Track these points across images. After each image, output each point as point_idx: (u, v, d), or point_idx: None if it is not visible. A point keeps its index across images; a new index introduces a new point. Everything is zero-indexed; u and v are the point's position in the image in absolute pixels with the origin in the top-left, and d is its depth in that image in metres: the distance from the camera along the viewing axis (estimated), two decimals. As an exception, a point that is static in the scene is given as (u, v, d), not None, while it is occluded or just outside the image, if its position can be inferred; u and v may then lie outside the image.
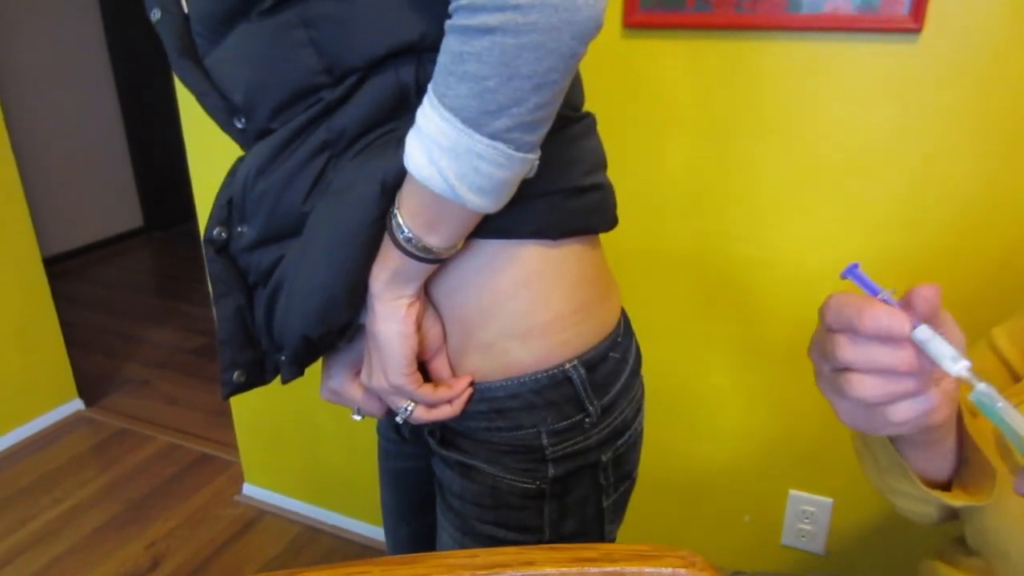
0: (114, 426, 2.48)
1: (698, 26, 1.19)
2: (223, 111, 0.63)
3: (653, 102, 1.28)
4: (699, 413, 1.47)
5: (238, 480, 2.17)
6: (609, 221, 0.68)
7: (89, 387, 2.67)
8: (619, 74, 1.28)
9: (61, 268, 3.83)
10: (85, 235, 4.15)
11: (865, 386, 0.42)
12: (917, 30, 1.07)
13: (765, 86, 1.20)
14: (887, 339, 0.41)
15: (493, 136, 0.50)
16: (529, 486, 0.68)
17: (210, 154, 1.69)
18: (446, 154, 0.51)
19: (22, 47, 3.68)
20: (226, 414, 2.44)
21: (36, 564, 1.86)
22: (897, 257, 1.23)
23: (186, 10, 0.63)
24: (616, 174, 0.71)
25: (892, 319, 0.40)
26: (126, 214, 4.41)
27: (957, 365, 0.40)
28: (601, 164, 0.68)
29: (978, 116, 1.11)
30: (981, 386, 0.40)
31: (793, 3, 1.12)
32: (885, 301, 0.43)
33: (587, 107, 0.68)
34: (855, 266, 0.46)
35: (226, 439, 2.34)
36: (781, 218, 1.28)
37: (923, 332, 0.40)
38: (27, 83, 3.73)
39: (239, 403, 2.02)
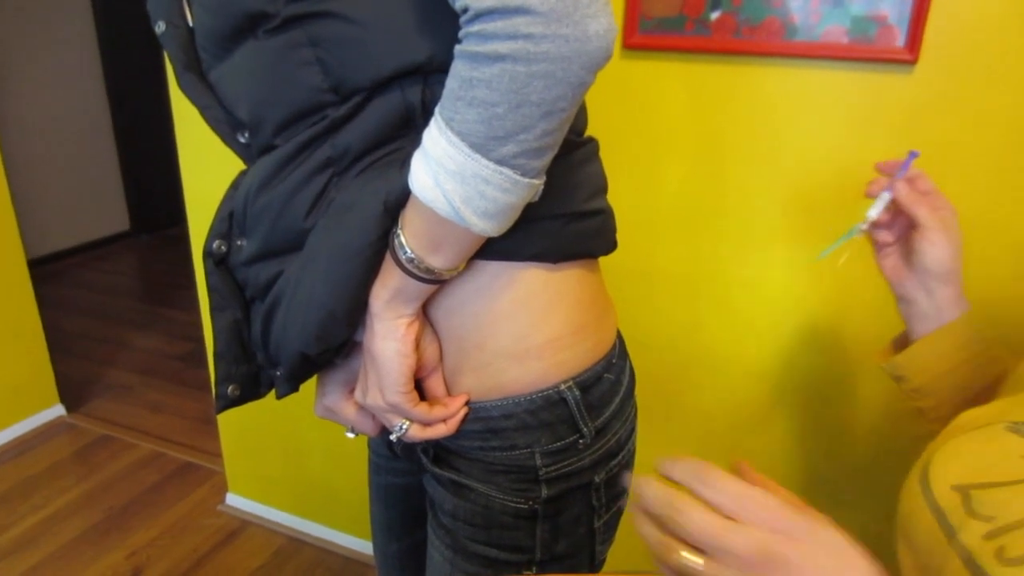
0: (96, 432, 2.45)
1: (696, 50, 1.20)
2: (226, 125, 0.63)
3: (650, 123, 1.29)
4: (687, 433, 1.48)
5: (222, 489, 2.14)
6: (608, 246, 0.69)
7: (71, 392, 2.64)
8: (617, 95, 1.29)
9: (45, 270, 3.80)
10: (70, 237, 4.12)
11: None
12: (912, 61, 1.09)
13: (761, 111, 1.22)
14: None
15: (500, 161, 0.50)
16: (522, 506, 0.68)
17: (202, 159, 1.68)
18: (452, 178, 0.51)
19: (11, 47, 3.66)
20: (211, 422, 2.43)
21: (14, 572, 1.83)
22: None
23: (191, 24, 0.63)
24: (611, 192, 0.71)
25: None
26: (113, 217, 4.38)
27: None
28: (602, 189, 0.68)
29: (972, 147, 1.12)
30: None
31: (790, 30, 1.13)
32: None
33: (583, 126, 0.68)
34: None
35: (210, 448, 2.31)
36: (773, 241, 1.29)
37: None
38: (15, 82, 3.71)
39: (225, 411, 2.00)
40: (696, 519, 0.44)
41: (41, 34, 3.78)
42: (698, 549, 0.44)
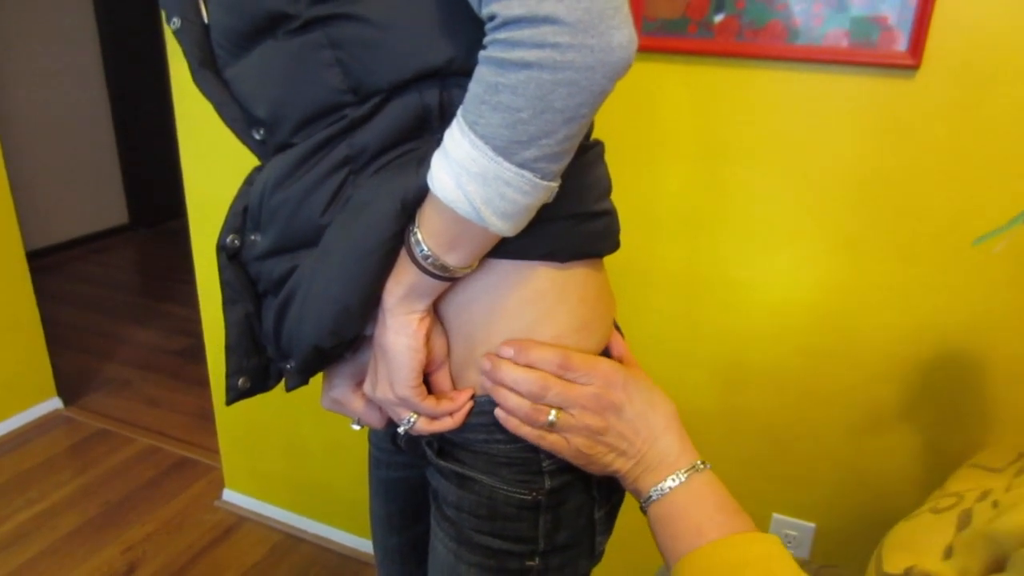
0: (93, 427, 2.46)
1: (699, 52, 1.21)
2: (242, 123, 0.64)
3: (652, 124, 1.30)
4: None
5: (219, 485, 2.15)
6: (613, 245, 0.70)
7: (68, 386, 2.64)
8: (619, 95, 1.28)
9: (44, 263, 3.79)
10: (69, 230, 4.11)
11: None
12: (915, 67, 1.10)
13: (763, 114, 1.23)
14: None
15: (521, 165, 0.52)
16: (525, 497, 0.69)
17: (203, 153, 1.68)
18: (474, 180, 0.52)
19: (11, 38, 3.66)
20: (208, 418, 2.42)
21: (8, 567, 1.83)
22: (887, 287, 1.25)
23: (206, 20, 0.64)
24: (612, 193, 0.72)
25: None
26: (112, 210, 4.38)
27: None
28: (608, 190, 0.69)
29: (973, 153, 1.13)
30: None
31: (792, 34, 1.15)
32: None
33: (586, 127, 0.70)
34: None
35: (208, 443, 2.32)
36: (772, 243, 1.30)
37: None
38: (16, 74, 3.70)
39: (223, 407, 2.00)
40: (557, 390, 0.63)
41: (42, 27, 3.78)
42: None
